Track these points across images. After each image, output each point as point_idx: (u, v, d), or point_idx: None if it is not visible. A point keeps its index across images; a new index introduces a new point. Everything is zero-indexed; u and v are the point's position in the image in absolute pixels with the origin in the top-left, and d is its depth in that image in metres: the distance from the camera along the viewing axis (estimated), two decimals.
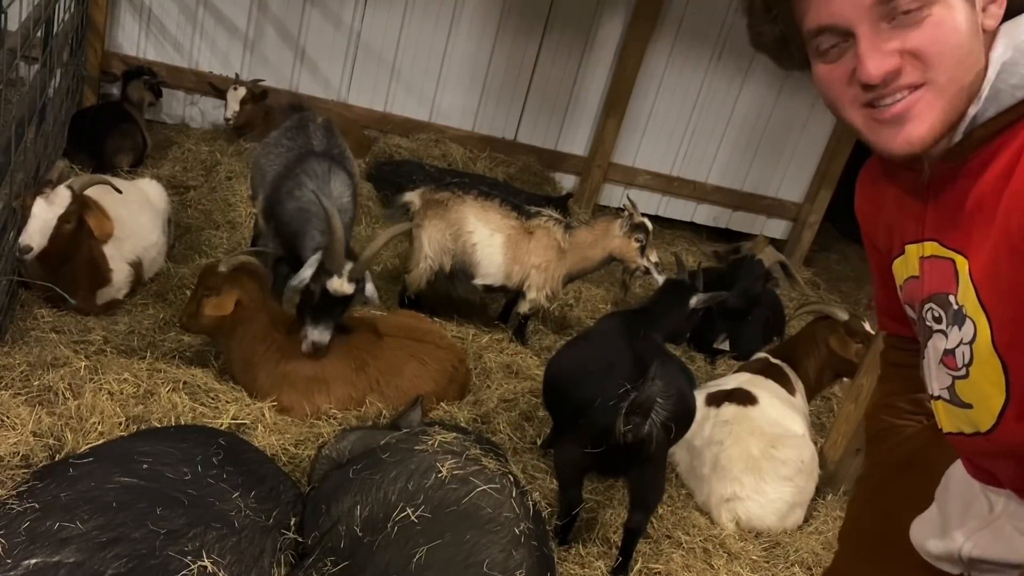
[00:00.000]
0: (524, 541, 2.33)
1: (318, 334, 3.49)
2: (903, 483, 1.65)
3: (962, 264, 1.27)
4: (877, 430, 1.75)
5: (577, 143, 7.05)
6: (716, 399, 3.84)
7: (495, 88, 6.72)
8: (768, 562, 3.39)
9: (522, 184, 6.59)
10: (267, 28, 6.20)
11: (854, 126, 1.29)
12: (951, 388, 1.33)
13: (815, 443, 3.91)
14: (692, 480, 3.73)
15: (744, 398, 3.79)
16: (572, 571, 3.02)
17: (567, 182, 7.12)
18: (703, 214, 7.50)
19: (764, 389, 3.88)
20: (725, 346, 5.32)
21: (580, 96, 6.87)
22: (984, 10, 1.22)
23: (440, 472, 2.50)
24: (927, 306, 1.35)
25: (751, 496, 3.51)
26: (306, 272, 3.46)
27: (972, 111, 1.22)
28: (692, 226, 7.54)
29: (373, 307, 4.02)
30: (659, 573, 3.13)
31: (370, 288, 3.62)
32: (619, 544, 3.13)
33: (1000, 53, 1.21)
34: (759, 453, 3.54)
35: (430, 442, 2.69)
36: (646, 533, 3.22)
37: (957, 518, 1.44)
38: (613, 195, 7.22)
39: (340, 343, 3.62)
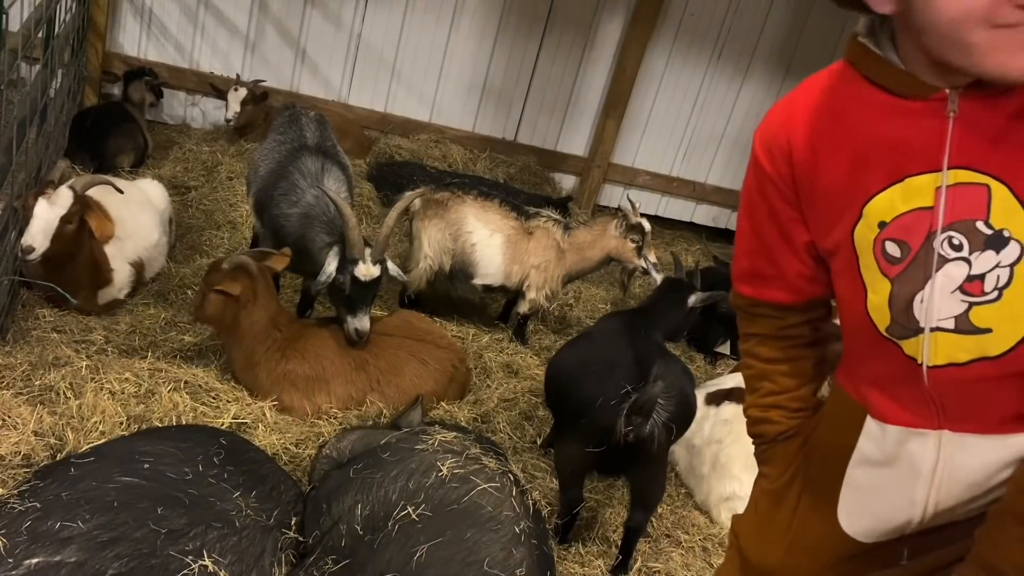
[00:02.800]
0: (524, 540, 2.34)
1: (359, 322, 3.59)
2: (810, 478, 1.65)
3: (999, 189, 1.30)
4: (775, 434, 1.75)
5: (577, 143, 7.05)
6: (716, 398, 3.85)
7: (495, 89, 6.73)
8: None
9: (522, 184, 6.60)
10: (268, 29, 6.21)
11: (974, 48, 1.24)
12: (963, 315, 1.34)
13: None
14: (691, 479, 3.74)
15: (743, 397, 3.79)
16: (572, 570, 3.03)
17: (567, 182, 7.13)
18: (703, 214, 7.51)
19: None
20: (725, 349, 5.33)
21: (580, 97, 6.88)
22: None
23: (440, 471, 2.51)
24: (945, 235, 1.34)
25: (750, 494, 3.51)
26: (330, 267, 3.54)
27: None
28: (692, 226, 7.55)
29: (400, 283, 4.16)
30: (658, 572, 3.14)
31: (393, 267, 3.76)
32: (619, 543, 3.14)
33: None
34: None
35: (430, 441, 2.70)
36: (646, 532, 3.23)
37: (906, 487, 1.46)
38: (613, 195, 7.23)
39: (341, 343, 3.63)
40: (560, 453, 3.24)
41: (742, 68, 6.96)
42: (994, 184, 1.30)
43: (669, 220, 7.43)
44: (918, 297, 1.38)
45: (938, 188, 1.34)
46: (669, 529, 3.41)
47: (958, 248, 1.33)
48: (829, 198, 1.46)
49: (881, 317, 1.43)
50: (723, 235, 7.62)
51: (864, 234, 1.42)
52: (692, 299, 3.86)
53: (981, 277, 1.32)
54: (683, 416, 3.00)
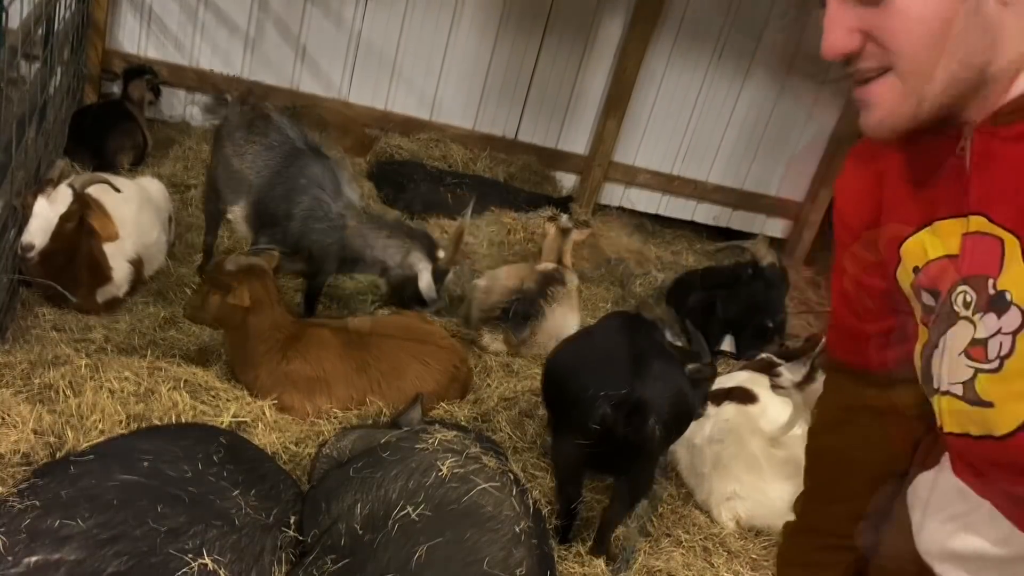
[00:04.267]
0: (524, 539, 2.33)
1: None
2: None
3: (1012, 244, 1.12)
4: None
5: (577, 142, 7.04)
6: (716, 397, 3.84)
7: (496, 87, 6.72)
8: (768, 560, 3.39)
9: (522, 183, 6.59)
10: (268, 27, 6.20)
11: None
12: (969, 383, 1.18)
13: None
14: (692, 478, 3.73)
15: (744, 396, 3.79)
16: (572, 569, 3.02)
17: (567, 181, 7.12)
18: (703, 213, 7.50)
19: (764, 388, 3.88)
20: (728, 347, 5.32)
21: (580, 95, 6.87)
22: None
23: (440, 470, 2.50)
24: (960, 288, 1.19)
25: (751, 495, 3.51)
26: (424, 281, 3.88)
27: None
28: (692, 225, 7.55)
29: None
30: (659, 571, 3.14)
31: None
32: (620, 543, 3.13)
33: None
34: (759, 451, 3.54)
35: (430, 440, 2.69)
36: (647, 532, 3.23)
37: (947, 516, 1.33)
38: (614, 194, 7.23)
39: (342, 344, 3.61)
40: (556, 449, 3.24)
41: (742, 68, 6.95)
42: (1008, 238, 1.12)
43: (669, 219, 7.43)
44: (936, 354, 1.25)
45: (964, 235, 1.20)
46: (669, 528, 3.40)
47: (968, 306, 1.18)
48: (884, 241, 1.38)
49: (918, 365, 1.32)
50: (724, 234, 7.61)
51: (903, 278, 1.33)
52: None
53: (984, 342, 1.15)
54: (681, 415, 3.00)
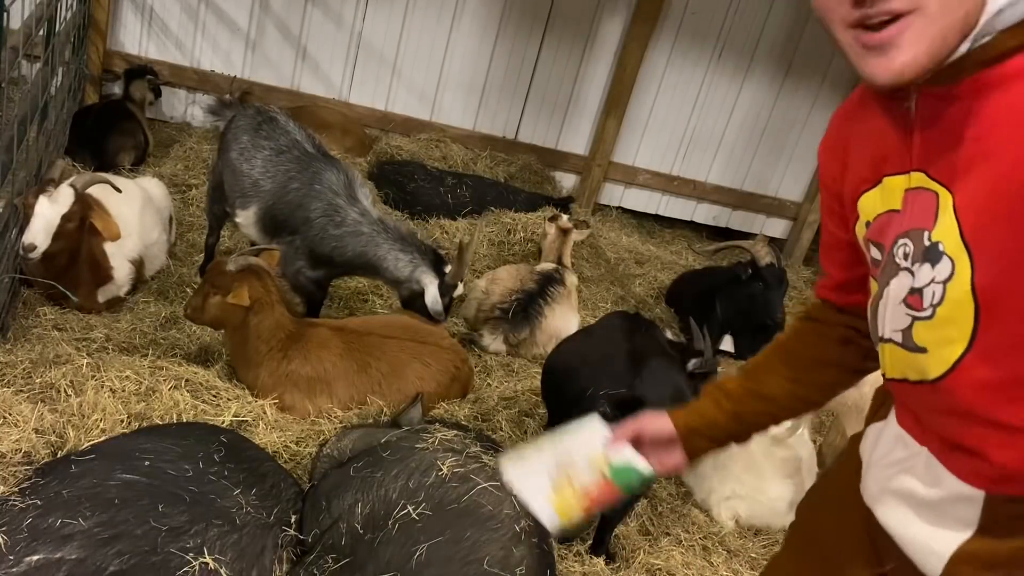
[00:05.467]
0: (524, 538, 2.34)
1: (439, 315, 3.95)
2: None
3: (945, 198, 1.19)
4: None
5: (577, 142, 7.05)
6: None
7: (496, 87, 6.73)
8: (767, 559, 3.39)
9: (522, 183, 6.60)
10: (269, 27, 6.21)
11: (842, 46, 1.22)
12: (907, 330, 1.27)
13: (814, 442, 3.92)
14: (692, 478, 3.73)
15: None
16: (572, 568, 3.03)
17: (567, 181, 7.13)
18: (703, 213, 7.51)
19: None
20: (727, 347, 5.33)
21: (580, 95, 6.88)
22: None
23: (441, 470, 2.51)
24: (901, 241, 1.27)
25: (751, 494, 3.52)
26: (431, 295, 3.84)
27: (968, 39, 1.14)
28: (692, 225, 7.56)
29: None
30: (659, 570, 3.15)
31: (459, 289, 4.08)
32: (620, 542, 3.14)
33: None
34: (759, 451, 3.55)
35: (431, 440, 2.70)
36: (646, 531, 3.24)
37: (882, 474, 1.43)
38: (613, 194, 7.23)
39: (344, 344, 3.62)
40: None
41: (743, 67, 6.96)
42: (941, 192, 1.20)
43: (669, 219, 7.44)
44: (881, 304, 1.33)
45: (906, 191, 1.28)
46: (669, 527, 3.41)
47: (907, 257, 1.26)
48: (847, 197, 1.45)
49: (869, 316, 1.41)
50: (723, 234, 7.62)
51: (859, 232, 1.41)
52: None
53: (920, 291, 1.24)
54: None
